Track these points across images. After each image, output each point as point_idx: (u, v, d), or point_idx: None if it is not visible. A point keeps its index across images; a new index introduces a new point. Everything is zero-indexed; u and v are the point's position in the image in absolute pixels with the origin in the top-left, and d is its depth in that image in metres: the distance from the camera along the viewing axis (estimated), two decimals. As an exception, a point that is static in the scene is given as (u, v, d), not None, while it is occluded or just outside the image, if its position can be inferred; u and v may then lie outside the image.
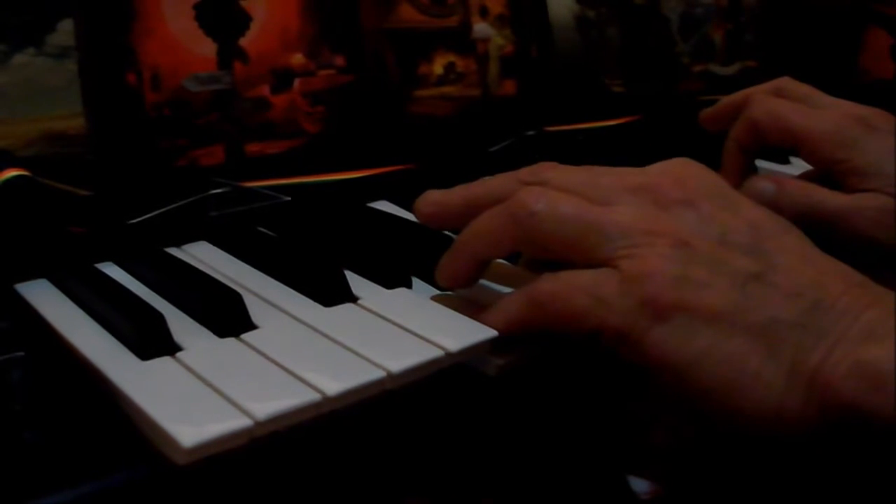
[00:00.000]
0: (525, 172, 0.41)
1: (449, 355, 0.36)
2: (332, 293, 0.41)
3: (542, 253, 0.40)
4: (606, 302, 0.35)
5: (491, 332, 0.38)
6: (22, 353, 0.35)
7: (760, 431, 0.34)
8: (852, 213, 0.50)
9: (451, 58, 0.64)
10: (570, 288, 0.36)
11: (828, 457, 0.33)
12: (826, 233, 0.51)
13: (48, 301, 0.41)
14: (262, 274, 0.45)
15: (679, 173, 0.40)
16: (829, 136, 0.53)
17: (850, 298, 0.34)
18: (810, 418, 0.33)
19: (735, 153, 0.58)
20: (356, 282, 0.43)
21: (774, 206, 0.52)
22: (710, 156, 0.65)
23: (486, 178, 0.42)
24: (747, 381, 0.33)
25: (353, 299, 0.41)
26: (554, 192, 0.38)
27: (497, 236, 0.39)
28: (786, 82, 0.60)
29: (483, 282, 0.42)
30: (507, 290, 0.42)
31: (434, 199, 0.43)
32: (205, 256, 0.47)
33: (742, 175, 0.57)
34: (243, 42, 0.54)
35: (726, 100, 0.62)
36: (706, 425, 0.35)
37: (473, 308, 0.40)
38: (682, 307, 0.35)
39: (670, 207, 0.38)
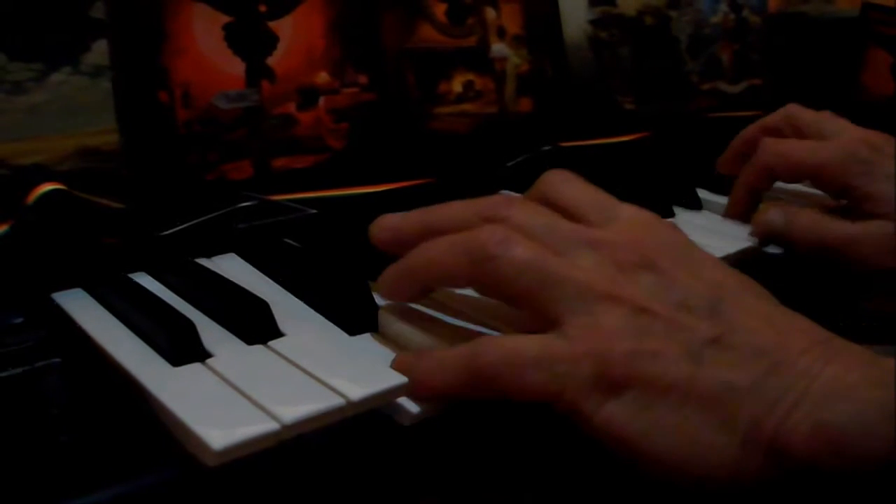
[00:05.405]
0: (484, 205, 0.39)
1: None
2: (357, 319, 0.41)
3: (493, 295, 0.38)
4: (560, 376, 0.34)
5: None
6: (58, 360, 0.36)
7: (716, 495, 0.33)
8: (860, 241, 0.50)
9: (470, 76, 0.64)
10: (519, 361, 0.34)
11: None
12: (836, 261, 0.51)
13: (83, 309, 0.42)
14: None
15: (640, 232, 0.38)
16: (841, 165, 0.53)
17: (811, 357, 0.33)
18: (769, 479, 0.32)
19: (744, 197, 0.58)
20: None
21: (785, 236, 0.53)
22: (716, 168, 0.66)
23: (444, 204, 0.41)
24: (698, 451, 0.33)
25: (376, 308, 0.42)
26: (516, 237, 0.36)
27: (450, 272, 0.38)
28: (793, 109, 0.59)
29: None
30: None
31: (389, 223, 0.41)
32: (233, 268, 0.48)
33: (748, 214, 0.57)
34: (270, 61, 0.54)
35: (734, 144, 0.63)
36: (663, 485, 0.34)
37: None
38: (634, 382, 0.33)
39: (630, 270, 0.36)
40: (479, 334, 0.36)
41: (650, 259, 0.37)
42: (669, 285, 0.36)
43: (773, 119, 0.60)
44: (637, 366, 0.34)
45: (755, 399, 0.33)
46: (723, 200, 0.62)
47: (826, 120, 0.57)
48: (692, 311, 0.35)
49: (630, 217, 0.39)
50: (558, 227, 0.38)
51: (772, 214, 0.54)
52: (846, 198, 0.54)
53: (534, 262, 0.36)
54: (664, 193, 0.61)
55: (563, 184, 0.42)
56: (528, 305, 0.37)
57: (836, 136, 0.55)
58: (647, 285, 0.36)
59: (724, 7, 0.83)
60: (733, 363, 0.33)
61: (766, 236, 0.54)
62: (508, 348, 0.35)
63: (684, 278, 0.36)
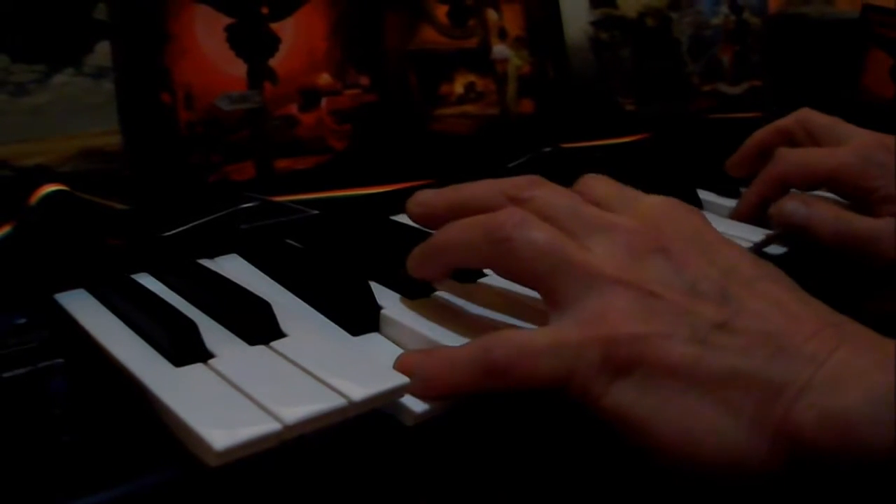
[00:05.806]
0: (510, 185, 0.40)
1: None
2: (359, 319, 0.42)
3: (507, 276, 0.39)
4: (569, 359, 0.34)
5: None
6: (61, 361, 0.36)
7: (721, 480, 0.33)
8: (883, 236, 0.50)
9: (472, 78, 0.65)
10: (531, 351, 0.35)
11: (796, 493, 0.32)
12: (856, 255, 0.51)
13: (86, 310, 0.42)
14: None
15: (658, 218, 0.39)
16: (858, 168, 0.53)
17: (818, 342, 0.33)
18: (776, 465, 0.32)
19: (755, 204, 0.57)
20: (380, 291, 0.43)
21: (804, 227, 0.52)
22: (717, 168, 0.66)
23: (474, 182, 0.42)
24: (702, 435, 0.33)
25: (378, 309, 0.42)
26: (533, 220, 0.37)
27: (469, 251, 0.39)
28: (806, 113, 0.59)
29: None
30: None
31: (423, 199, 0.43)
32: (236, 268, 0.48)
33: (756, 221, 0.57)
34: (273, 63, 0.54)
35: (746, 146, 0.62)
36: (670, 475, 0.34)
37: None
38: (640, 363, 0.34)
39: (642, 255, 0.37)
40: (482, 333, 0.37)
41: (664, 244, 0.37)
42: (680, 270, 0.36)
43: (786, 122, 0.60)
44: (643, 347, 0.34)
45: (761, 384, 0.32)
46: (723, 201, 0.62)
47: (839, 124, 0.57)
48: (701, 295, 0.35)
49: (652, 203, 0.40)
50: (577, 211, 0.39)
51: (792, 205, 0.53)
52: (863, 201, 0.53)
53: (548, 245, 0.36)
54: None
55: (596, 182, 0.43)
56: (540, 287, 0.37)
57: (849, 140, 0.55)
58: (658, 270, 0.36)
59: (724, 9, 0.84)
60: (739, 348, 0.34)
61: (784, 227, 0.54)
62: (519, 340, 0.35)
63: (696, 263, 0.36)
